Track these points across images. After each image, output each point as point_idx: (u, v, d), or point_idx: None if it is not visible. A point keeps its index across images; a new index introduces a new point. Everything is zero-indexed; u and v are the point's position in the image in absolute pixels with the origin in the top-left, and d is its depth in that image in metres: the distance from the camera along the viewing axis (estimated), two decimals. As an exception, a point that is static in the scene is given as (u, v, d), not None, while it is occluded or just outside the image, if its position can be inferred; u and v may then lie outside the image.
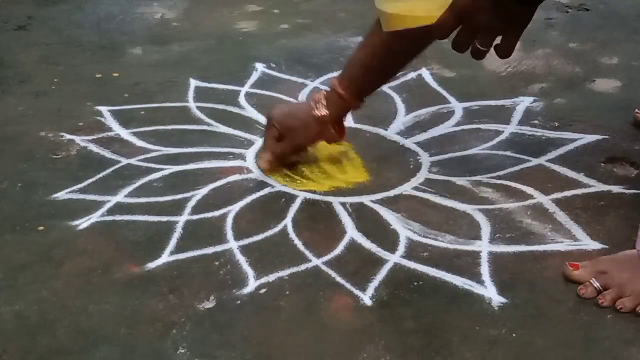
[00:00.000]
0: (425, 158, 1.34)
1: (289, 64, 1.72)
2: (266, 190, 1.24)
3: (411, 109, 1.51)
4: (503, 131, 1.42)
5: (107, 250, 1.09)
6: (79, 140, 1.38)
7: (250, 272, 1.05)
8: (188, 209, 1.19)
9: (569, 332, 0.95)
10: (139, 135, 1.41)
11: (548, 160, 1.33)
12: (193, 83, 1.62)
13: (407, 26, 1.08)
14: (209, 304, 1.00)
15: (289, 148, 1.28)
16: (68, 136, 1.40)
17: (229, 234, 1.13)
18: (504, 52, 1.03)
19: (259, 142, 1.39)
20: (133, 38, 1.87)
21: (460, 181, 1.27)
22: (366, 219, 1.17)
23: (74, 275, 1.05)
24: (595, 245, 1.11)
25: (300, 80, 1.64)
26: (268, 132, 1.28)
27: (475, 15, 1.00)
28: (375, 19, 1.18)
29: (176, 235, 1.13)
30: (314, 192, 1.24)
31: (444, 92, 1.58)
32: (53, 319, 0.97)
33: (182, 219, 1.16)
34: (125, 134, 1.41)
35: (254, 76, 1.66)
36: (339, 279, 1.04)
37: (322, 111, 1.24)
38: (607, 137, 1.40)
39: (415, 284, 1.04)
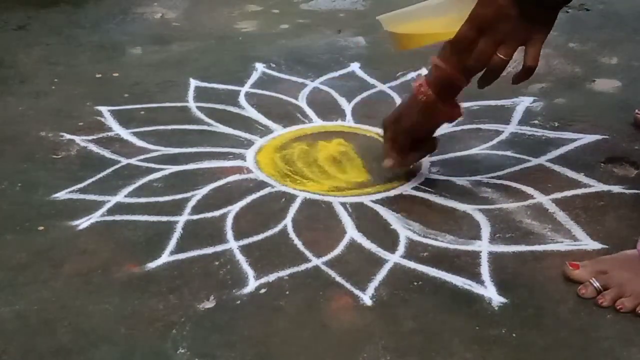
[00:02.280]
0: (425, 158, 1.34)
1: (289, 64, 1.72)
2: (266, 190, 1.24)
3: (411, 109, 1.51)
4: (503, 131, 1.42)
5: (107, 250, 1.09)
6: (79, 140, 1.38)
7: (250, 272, 1.05)
8: (188, 209, 1.19)
9: (569, 332, 0.95)
10: (139, 135, 1.41)
11: (548, 160, 1.33)
12: (193, 83, 1.62)
13: (424, 44, 1.07)
14: (209, 304, 1.00)
15: (403, 136, 1.21)
16: (68, 136, 1.40)
17: (229, 234, 1.13)
18: (532, 59, 1.02)
19: (259, 142, 1.39)
20: (133, 38, 1.87)
21: (460, 181, 1.27)
22: (366, 219, 1.17)
23: (74, 275, 1.05)
24: (595, 245, 1.11)
25: (300, 80, 1.64)
26: (384, 136, 1.24)
27: (498, 23, 0.99)
28: None
29: (176, 235, 1.13)
30: (314, 192, 1.24)
31: (444, 92, 1.57)
32: (53, 319, 0.97)
33: (182, 219, 1.16)
34: (125, 134, 1.41)
35: (254, 76, 1.66)
36: (339, 279, 1.04)
37: (426, 92, 1.14)
38: (607, 137, 1.40)
39: (415, 284, 1.04)
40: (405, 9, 1.04)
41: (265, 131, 1.43)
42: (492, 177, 1.28)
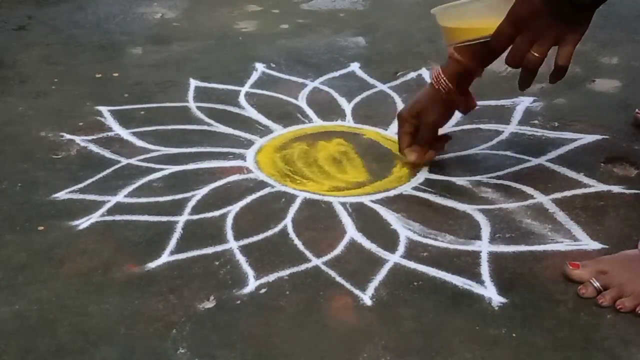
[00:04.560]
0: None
1: (289, 64, 1.72)
2: (266, 190, 1.24)
3: (411, 109, 1.51)
4: (503, 131, 1.42)
5: (107, 250, 1.09)
6: (79, 140, 1.38)
7: (250, 272, 1.05)
8: (188, 209, 1.19)
9: (569, 332, 0.95)
10: (139, 135, 1.41)
11: (548, 160, 1.33)
12: (193, 83, 1.62)
13: (468, 38, 1.10)
14: (209, 304, 1.00)
15: (428, 131, 1.26)
16: (68, 136, 1.40)
17: (229, 234, 1.13)
18: (563, 58, 1.03)
19: (259, 142, 1.39)
20: (133, 38, 1.87)
21: (460, 181, 1.27)
22: (366, 219, 1.17)
23: (74, 275, 1.05)
24: (595, 245, 1.11)
25: (300, 80, 1.64)
26: (402, 130, 1.27)
27: (533, 22, 1.00)
28: None
29: (176, 235, 1.13)
30: (314, 192, 1.24)
31: (444, 92, 1.58)
32: (53, 319, 0.97)
33: (182, 219, 1.16)
34: (125, 134, 1.41)
35: (254, 76, 1.66)
36: (339, 279, 1.04)
37: (447, 86, 1.22)
38: (607, 137, 1.39)
39: (415, 284, 1.04)
40: (459, 5, 1.08)
41: (265, 131, 1.43)
42: (492, 177, 1.28)
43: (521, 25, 1.02)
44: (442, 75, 1.22)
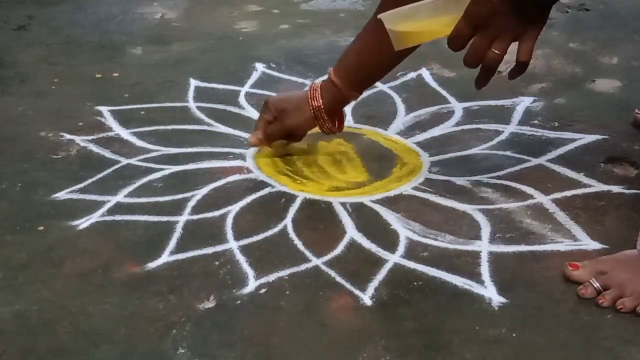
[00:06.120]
0: (425, 158, 1.34)
1: (289, 64, 1.72)
2: (266, 190, 1.24)
3: (411, 109, 1.51)
4: (503, 131, 1.42)
5: (107, 250, 1.09)
6: (79, 140, 1.38)
7: (250, 272, 1.05)
8: (188, 209, 1.19)
9: (569, 332, 0.95)
10: (139, 135, 1.41)
11: (548, 160, 1.33)
12: (193, 83, 1.62)
13: (422, 42, 1.08)
14: (209, 304, 1.00)
15: (278, 129, 1.28)
16: (68, 136, 1.40)
17: (229, 234, 1.13)
18: (524, 54, 1.03)
19: (258, 142, 1.39)
20: (133, 38, 1.87)
21: (460, 181, 1.27)
22: (366, 219, 1.17)
23: (74, 275, 1.05)
24: (595, 245, 1.11)
25: (300, 80, 1.64)
26: (262, 114, 1.29)
27: (492, 20, 1.00)
28: (373, 15, 1.19)
29: (176, 235, 1.13)
30: (314, 192, 1.24)
31: (444, 92, 1.58)
32: (53, 319, 0.97)
33: (182, 219, 1.16)
34: (125, 134, 1.41)
35: (254, 76, 1.66)
36: (339, 279, 1.04)
37: (317, 102, 1.24)
38: (607, 137, 1.40)
39: (415, 284, 1.04)
40: (406, 8, 1.06)
41: (265, 131, 1.43)
42: (492, 177, 1.28)
43: (479, 24, 1.01)
44: (319, 92, 1.24)
